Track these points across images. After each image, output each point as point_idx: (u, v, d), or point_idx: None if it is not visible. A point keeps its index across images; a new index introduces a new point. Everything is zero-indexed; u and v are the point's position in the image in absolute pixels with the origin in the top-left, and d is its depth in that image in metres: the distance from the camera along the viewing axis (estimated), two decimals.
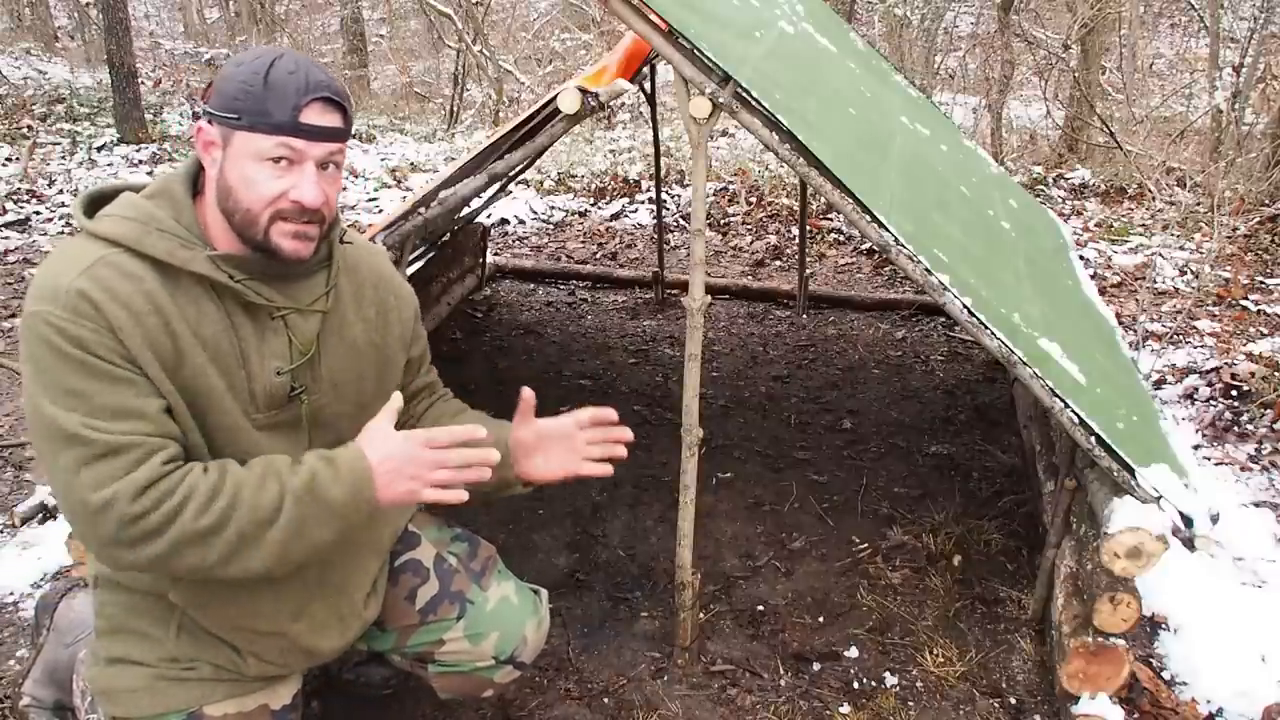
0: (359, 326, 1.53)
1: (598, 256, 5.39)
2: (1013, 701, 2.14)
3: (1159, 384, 3.68)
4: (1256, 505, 2.92)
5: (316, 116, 1.30)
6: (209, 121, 1.31)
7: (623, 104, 9.26)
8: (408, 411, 1.68)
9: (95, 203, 1.37)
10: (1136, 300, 4.32)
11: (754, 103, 1.82)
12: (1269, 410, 3.39)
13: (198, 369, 1.32)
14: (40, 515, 2.76)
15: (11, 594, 2.47)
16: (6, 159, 7.10)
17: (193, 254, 1.31)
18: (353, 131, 1.39)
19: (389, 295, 1.59)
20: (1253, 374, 3.59)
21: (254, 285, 1.36)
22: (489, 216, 5.68)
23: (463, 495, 1.37)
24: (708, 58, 1.75)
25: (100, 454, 1.23)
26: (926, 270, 1.87)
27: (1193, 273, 4.82)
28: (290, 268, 1.39)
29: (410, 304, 1.65)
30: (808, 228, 4.75)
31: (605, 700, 2.13)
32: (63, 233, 5.70)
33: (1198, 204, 5.77)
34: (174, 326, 1.30)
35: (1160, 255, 5.07)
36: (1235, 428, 3.35)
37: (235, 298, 1.36)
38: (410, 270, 3.37)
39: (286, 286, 1.40)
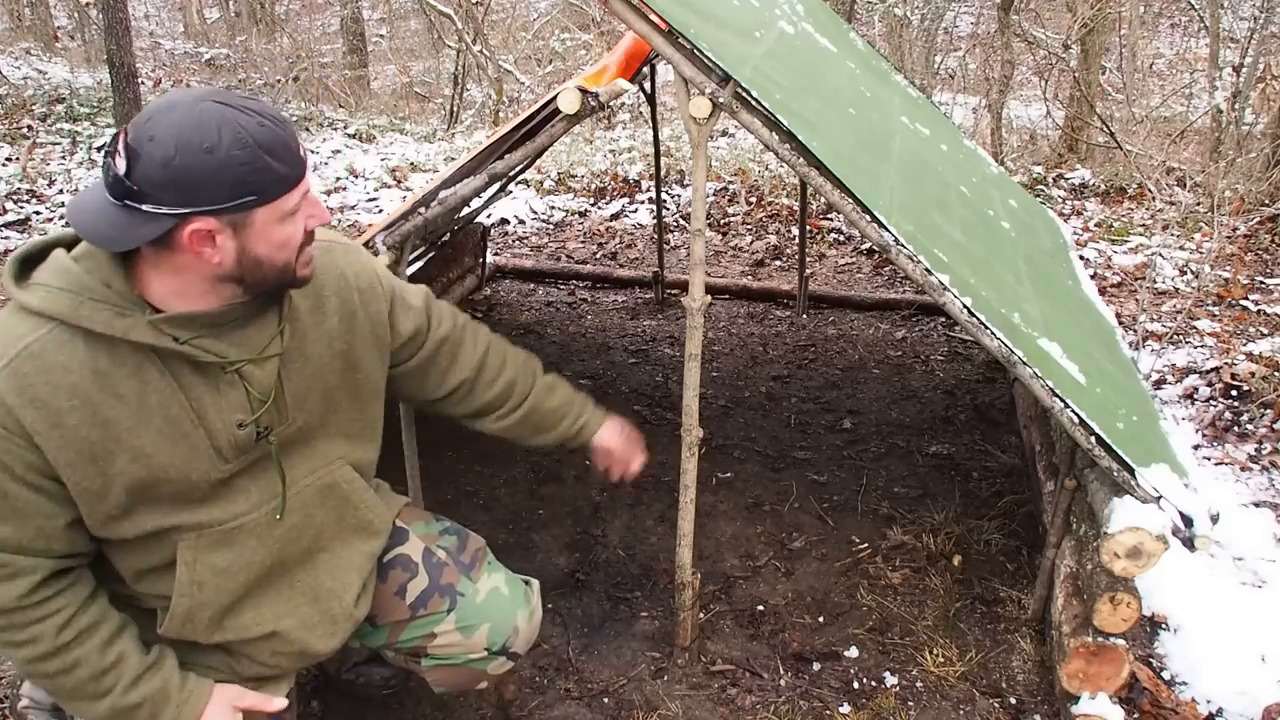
0: (323, 342, 1.49)
1: (598, 256, 5.39)
2: (1013, 701, 2.14)
3: (1159, 384, 3.68)
4: (1256, 505, 2.92)
5: (300, 146, 1.29)
6: (207, 216, 1.21)
7: (623, 104, 9.26)
8: (441, 373, 1.75)
9: (26, 264, 1.28)
10: (1136, 300, 4.31)
11: (754, 103, 1.82)
12: (1269, 410, 3.39)
13: (137, 451, 1.29)
14: None
15: None
16: (6, 159, 7.10)
17: (131, 322, 1.24)
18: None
19: (352, 294, 1.53)
20: (1253, 374, 3.59)
21: (201, 343, 1.30)
22: (489, 216, 5.68)
23: None
24: (708, 58, 1.75)
25: None
26: (926, 270, 1.87)
27: (1193, 273, 4.82)
28: (231, 314, 1.33)
29: (379, 293, 1.58)
30: (808, 228, 4.75)
31: (605, 700, 2.13)
32: None
33: (1198, 204, 5.77)
34: (105, 414, 1.26)
35: (1160, 255, 5.06)
36: (1235, 428, 3.35)
37: (182, 358, 1.30)
38: (410, 270, 3.37)
39: (237, 333, 1.35)
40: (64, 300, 1.23)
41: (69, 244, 1.30)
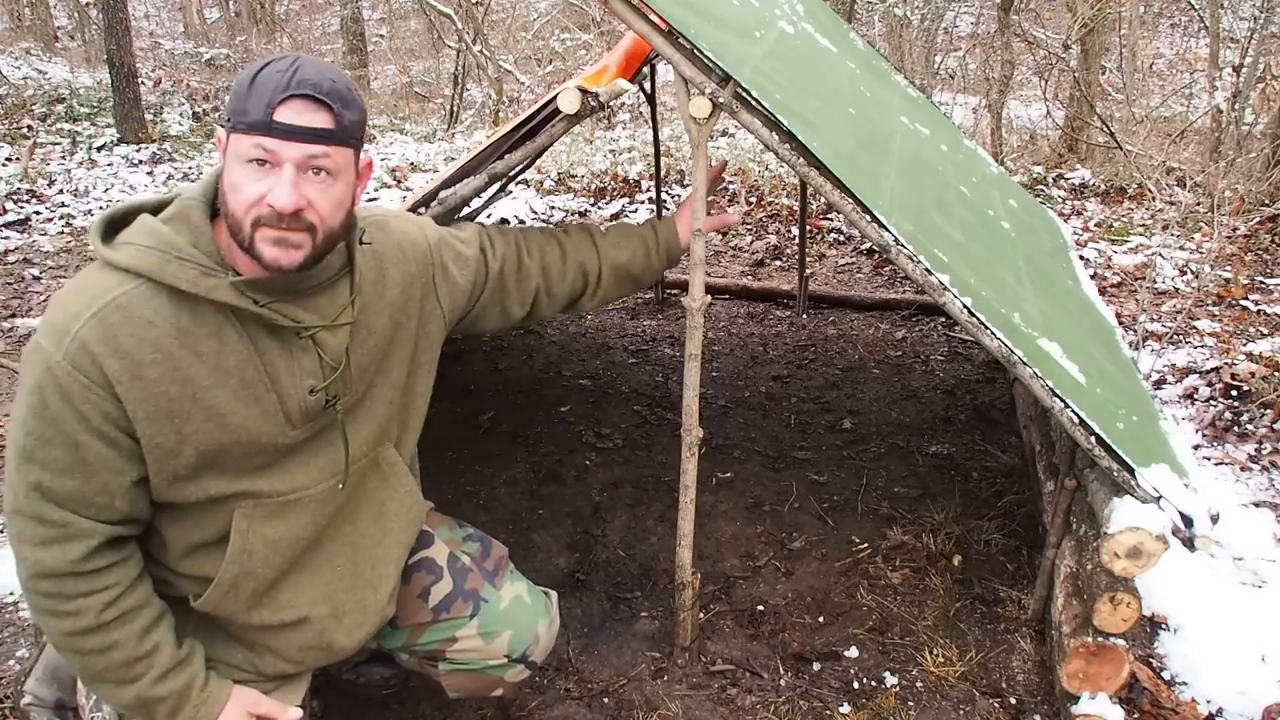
0: (385, 314, 1.53)
1: None
2: (1013, 701, 2.14)
3: (1159, 384, 3.68)
4: (1256, 505, 2.92)
5: (293, 115, 1.23)
6: (224, 127, 1.29)
7: (623, 104, 9.26)
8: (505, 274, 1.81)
9: (112, 226, 1.33)
10: (1136, 300, 4.31)
11: (754, 103, 1.82)
12: (1269, 410, 3.39)
13: (213, 410, 1.32)
14: None
15: (11, 594, 2.47)
16: (6, 159, 7.09)
17: (215, 282, 1.28)
18: (360, 136, 1.35)
19: (410, 266, 1.59)
20: (1253, 374, 3.59)
21: (280, 307, 1.34)
22: (489, 216, 5.68)
23: None
24: (708, 58, 1.75)
25: (32, 514, 1.28)
26: (926, 270, 1.87)
27: (1193, 273, 4.82)
28: (308, 280, 1.36)
29: (430, 263, 1.64)
30: (808, 228, 4.75)
31: (605, 700, 2.13)
32: (63, 232, 5.70)
33: (1198, 204, 5.77)
34: (185, 371, 1.29)
35: (1160, 255, 5.07)
36: (1235, 428, 3.35)
37: (259, 321, 1.33)
38: None
39: (312, 300, 1.38)
40: (152, 258, 1.26)
41: (153, 209, 1.34)
